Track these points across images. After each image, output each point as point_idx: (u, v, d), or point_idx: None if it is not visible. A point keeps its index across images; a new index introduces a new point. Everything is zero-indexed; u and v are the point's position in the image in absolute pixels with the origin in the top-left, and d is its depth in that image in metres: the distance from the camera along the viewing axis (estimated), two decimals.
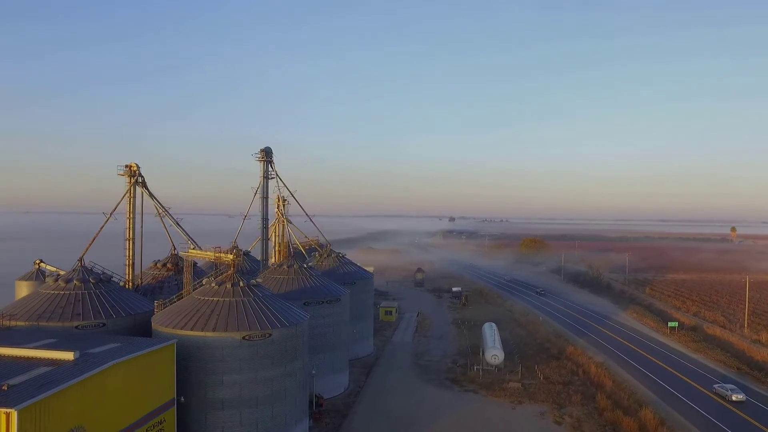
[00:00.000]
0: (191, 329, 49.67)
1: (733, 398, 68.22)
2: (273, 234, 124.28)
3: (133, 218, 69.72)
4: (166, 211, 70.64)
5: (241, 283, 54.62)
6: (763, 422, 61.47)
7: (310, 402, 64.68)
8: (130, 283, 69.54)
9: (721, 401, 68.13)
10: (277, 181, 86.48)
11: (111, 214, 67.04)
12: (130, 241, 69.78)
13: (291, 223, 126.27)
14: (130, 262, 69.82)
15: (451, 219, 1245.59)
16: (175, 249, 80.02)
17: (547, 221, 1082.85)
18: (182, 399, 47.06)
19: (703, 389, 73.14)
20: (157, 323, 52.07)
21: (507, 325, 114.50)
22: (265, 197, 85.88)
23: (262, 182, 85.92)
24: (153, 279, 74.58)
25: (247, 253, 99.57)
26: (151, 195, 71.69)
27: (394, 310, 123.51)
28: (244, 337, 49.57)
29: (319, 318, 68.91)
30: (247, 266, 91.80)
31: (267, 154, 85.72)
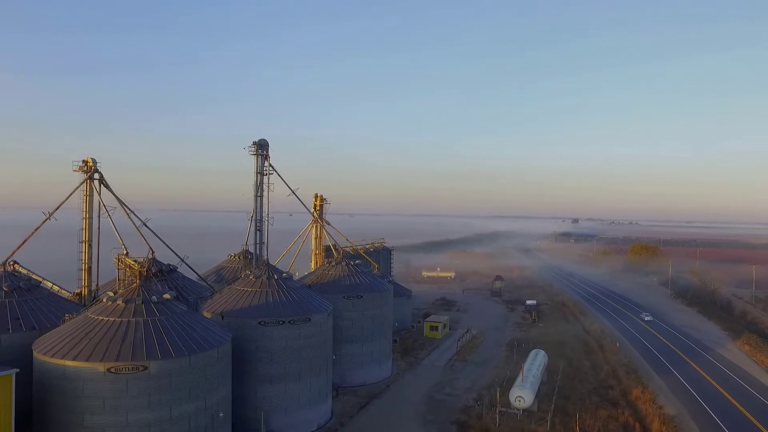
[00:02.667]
0: (53, 355, 40.43)
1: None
2: (313, 237, 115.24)
3: (90, 218, 63.33)
4: (117, 210, 63.16)
5: (138, 300, 44.51)
6: None
7: None
8: (85, 291, 63.15)
9: None
10: (268, 179, 75.89)
11: (51, 214, 61.04)
12: (86, 244, 63.34)
13: (329, 224, 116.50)
14: (86, 267, 63.38)
15: (574, 221, 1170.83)
16: (153, 252, 73.22)
17: (683, 224, 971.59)
18: None
19: None
20: (35, 345, 43.57)
21: (571, 351, 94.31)
22: (259, 195, 76.03)
23: (256, 179, 76.28)
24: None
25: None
26: (116, 196, 65.10)
27: (440, 326, 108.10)
28: (108, 369, 39.23)
29: (280, 341, 57.08)
30: None
31: (261, 148, 75.85)
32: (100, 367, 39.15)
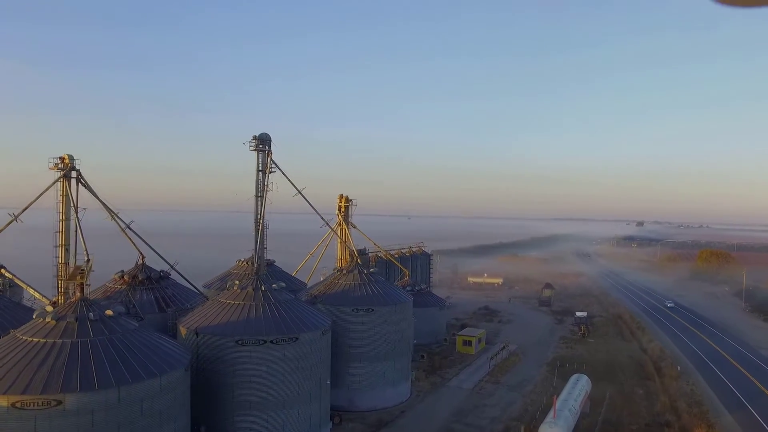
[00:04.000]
0: None
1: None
2: (338, 241, 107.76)
3: (67, 220, 57.76)
4: (101, 212, 57.28)
5: (71, 318, 37.69)
6: None
7: None
8: (62, 299, 57.59)
9: None
10: (267, 176, 68.29)
11: (17, 216, 55.54)
12: (62, 248, 57.73)
13: (355, 227, 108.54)
14: (62, 273, 57.88)
15: (639, 223, 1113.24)
16: (143, 257, 67.44)
17: (761, 228, 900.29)
18: None
19: None
20: None
21: (623, 375, 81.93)
22: (259, 195, 68.63)
23: (257, 177, 68.97)
24: (103, 294, 62.32)
25: (271, 264, 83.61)
26: (96, 197, 59.48)
27: (474, 340, 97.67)
28: (13, 404, 32.36)
29: (260, 363, 49.23)
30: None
31: (263, 143, 68.42)
32: (3, 401, 32.37)
